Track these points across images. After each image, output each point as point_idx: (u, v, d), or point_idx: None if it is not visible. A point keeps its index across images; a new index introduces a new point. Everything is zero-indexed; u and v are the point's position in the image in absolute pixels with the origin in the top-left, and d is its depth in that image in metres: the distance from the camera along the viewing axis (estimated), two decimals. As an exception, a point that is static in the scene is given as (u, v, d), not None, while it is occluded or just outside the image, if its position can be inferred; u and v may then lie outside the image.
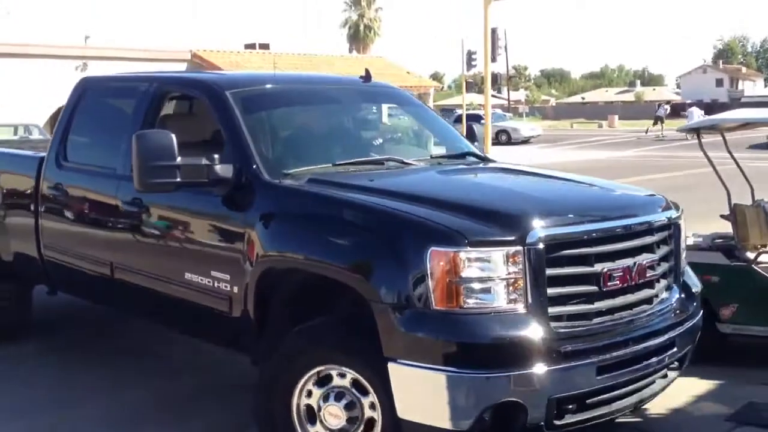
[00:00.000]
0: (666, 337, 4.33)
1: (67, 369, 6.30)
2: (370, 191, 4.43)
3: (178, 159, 4.60)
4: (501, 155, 30.48)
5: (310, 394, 4.22)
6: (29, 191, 6.34)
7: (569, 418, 3.95)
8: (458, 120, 40.99)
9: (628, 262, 4.16)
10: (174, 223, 5.22)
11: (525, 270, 3.81)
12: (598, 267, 4.04)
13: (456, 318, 3.76)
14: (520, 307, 3.81)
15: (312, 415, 4.22)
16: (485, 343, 3.74)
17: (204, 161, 4.70)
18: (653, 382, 4.43)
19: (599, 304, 4.05)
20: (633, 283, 4.19)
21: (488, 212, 4.05)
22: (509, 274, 3.79)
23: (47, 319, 7.41)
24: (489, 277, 3.78)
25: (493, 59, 30.74)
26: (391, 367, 3.80)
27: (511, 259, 3.80)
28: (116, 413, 5.38)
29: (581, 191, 4.92)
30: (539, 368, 3.76)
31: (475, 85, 43.31)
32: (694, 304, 4.72)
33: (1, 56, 25.34)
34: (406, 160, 5.27)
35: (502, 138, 41.17)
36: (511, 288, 3.80)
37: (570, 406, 3.94)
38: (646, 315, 4.30)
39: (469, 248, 3.76)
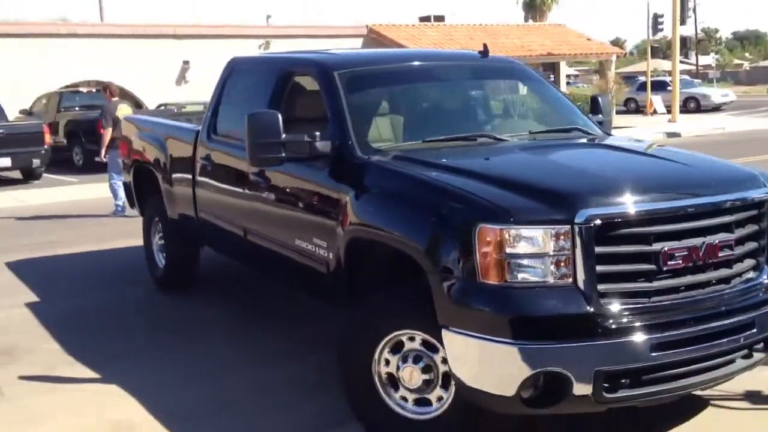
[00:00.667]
0: (744, 317, 4.15)
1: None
2: (441, 168, 4.60)
3: (283, 136, 4.99)
4: (686, 124, 29.03)
5: (387, 362, 4.42)
6: (188, 159, 7.10)
7: (622, 393, 3.93)
8: (641, 88, 39.54)
9: (695, 241, 4.06)
10: (288, 194, 5.60)
11: (573, 248, 3.87)
12: (657, 246, 3.98)
13: (500, 291, 3.88)
14: (567, 284, 3.88)
15: (394, 382, 4.42)
16: (525, 316, 3.84)
17: (306, 138, 5.06)
18: (730, 361, 4.22)
19: (659, 283, 4.00)
20: (701, 262, 4.08)
21: (541, 190, 4.10)
22: (556, 251, 3.87)
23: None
24: (535, 253, 3.87)
25: (682, 22, 29.40)
26: (444, 333, 4.01)
27: (558, 237, 3.87)
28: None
29: (657, 170, 4.76)
30: (583, 341, 3.81)
31: (660, 51, 41.42)
32: None
33: (191, 37, 26.84)
34: (499, 136, 5.33)
35: (691, 105, 39.07)
36: (557, 265, 3.88)
37: (623, 381, 3.91)
38: (720, 295, 4.17)
39: (515, 225, 3.87)
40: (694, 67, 61.74)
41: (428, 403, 4.36)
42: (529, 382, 3.80)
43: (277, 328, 6.64)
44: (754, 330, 4.18)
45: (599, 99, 6.27)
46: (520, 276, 3.87)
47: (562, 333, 3.84)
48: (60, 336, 6.54)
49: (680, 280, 4.05)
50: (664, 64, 48.18)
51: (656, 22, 33.84)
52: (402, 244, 4.33)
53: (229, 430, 4.73)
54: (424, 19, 37.55)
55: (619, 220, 3.95)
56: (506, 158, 5.01)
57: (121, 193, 11.70)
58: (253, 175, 5.89)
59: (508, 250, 3.85)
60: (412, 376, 4.33)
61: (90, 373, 5.65)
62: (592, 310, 3.85)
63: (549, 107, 6.31)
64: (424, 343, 4.28)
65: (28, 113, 21.87)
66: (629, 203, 4.00)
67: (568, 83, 41.42)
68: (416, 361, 4.31)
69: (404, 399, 4.40)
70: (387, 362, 4.42)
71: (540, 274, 3.88)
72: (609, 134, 5.92)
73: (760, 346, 4.32)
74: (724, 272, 4.19)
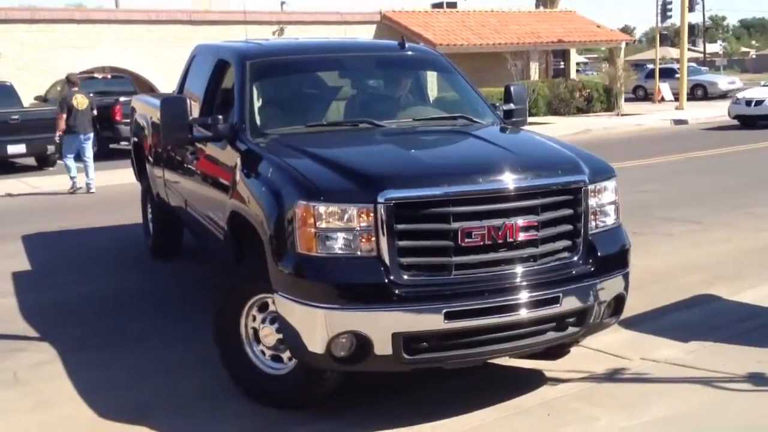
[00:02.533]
0: (547, 292, 4.51)
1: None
2: (296, 151, 5.06)
3: (190, 118, 5.77)
4: (693, 111, 29.03)
5: (254, 319, 4.96)
6: (158, 137, 7.73)
7: (422, 355, 4.39)
8: (650, 75, 39.54)
9: (495, 222, 4.43)
10: (204, 170, 6.31)
11: (376, 224, 4.31)
12: (455, 225, 4.37)
13: (311, 260, 4.37)
14: (371, 256, 4.33)
15: (257, 337, 4.97)
16: (334, 282, 4.33)
17: (210, 120, 5.80)
18: (538, 332, 4.61)
19: (458, 258, 4.39)
20: (501, 241, 4.44)
21: (356, 173, 4.57)
22: (361, 227, 4.33)
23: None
24: (342, 228, 4.35)
25: (691, 9, 29.41)
26: (275, 297, 4.55)
27: (362, 215, 4.33)
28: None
29: (476, 156, 5.18)
30: (381, 307, 4.29)
31: (668, 38, 41.29)
32: (601, 265, 4.76)
33: (206, 23, 27.09)
34: (378, 123, 5.76)
35: (698, 93, 39.08)
36: (362, 239, 4.34)
37: (422, 344, 4.37)
38: (523, 271, 4.53)
39: (325, 203, 4.35)
40: (701, 55, 61.35)
41: (281, 360, 4.90)
42: (335, 342, 4.30)
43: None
44: (558, 305, 4.55)
45: (512, 88, 6.57)
46: (330, 247, 4.36)
47: (363, 299, 4.34)
48: (71, 321, 6.81)
49: (481, 257, 4.45)
50: (672, 52, 48.05)
51: (665, 10, 33.84)
52: (251, 217, 4.91)
53: (250, 410, 4.90)
54: (437, 5, 37.59)
55: (419, 200, 4.38)
56: (357, 143, 5.51)
57: (72, 171, 14.41)
58: (189, 154, 6.67)
59: (319, 224, 4.35)
60: (268, 335, 4.87)
61: (102, 358, 5.88)
62: (391, 279, 4.30)
63: (454, 96, 6.69)
64: None
65: (43, 100, 22.12)
66: (428, 186, 4.43)
67: (577, 71, 41.42)
68: (272, 322, 4.82)
69: (262, 353, 4.95)
70: (254, 318, 4.97)
71: (347, 246, 4.36)
72: (504, 122, 6.24)
73: (572, 320, 4.71)
74: (527, 251, 4.55)
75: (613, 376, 5.10)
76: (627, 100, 34.81)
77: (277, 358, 4.92)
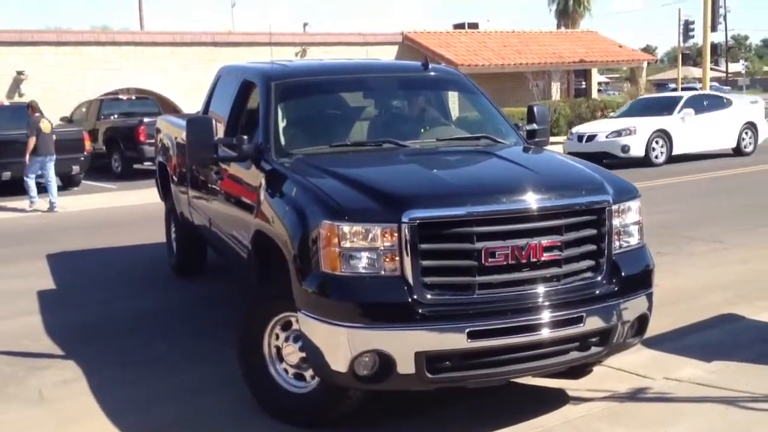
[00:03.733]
0: (570, 312, 4.50)
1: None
2: (320, 171, 5.09)
3: (215, 138, 5.78)
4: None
5: (278, 337, 4.98)
6: (183, 157, 7.99)
7: (445, 374, 4.38)
8: (673, 94, 39.37)
9: (519, 242, 4.43)
10: (229, 190, 6.37)
11: (400, 244, 4.32)
12: (479, 245, 4.37)
13: (336, 279, 4.37)
14: (395, 275, 4.34)
15: (280, 355, 4.99)
16: (357, 301, 4.32)
17: (234, 141, 5.81)
18: (562, 352, 4.60)
19: (482, 278, 4.39)
20: (525, 261, 4.44)
21: (381, 192, 4.59)
22: (385, 246, 4.34)
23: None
24: (366, 247, 4.35)
25: (713, 28, 29.27)
26: (299, 316, 4.56)
27: (386, 234, 4.34)
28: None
29: (500, 176, 5.17)
30: (404, 326, 4.29)
31: (690, 58, 41.21)
32: (625, 285, 4.75)
33: (229, 45, 27.36)
34: (402, 143, 5.81)
35: (721, 112, 38.93)
36: (386, 257, 4.35)
37: (445, 363, 4.35)
38: (546, 291, 4.52)
39: (349, 223, 4.36)
40: (723, 74, 61.10)
41: (304, 378, 4.92)
42: (359, 361, 4.30)
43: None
44: (582, 325, 4.53)
45: (534, 108, 6.55)
46: (354, 267, 4.36)
47: (386, 318, 4.33)
48: (95, 340, 6.87)
49: (504, 276, 4.45)
50: (695, 71, 47.85)
51: (687, 29, 33.71)
52: (275, 236, 4.94)
53: (272, 429, 4.93)
54: (458, 26, 37.82)
55: (442, 220, 4.39)
56: (381, 163, 5.56)
57: (33, 192, 15.26)
58: (213, 173, 6.72)
59: (343, 244, 4.36)
60: (291, 353, 4.89)
61: (125, 376, 5.92)
62: (415, 298, 4.31)
63: (477, 117, 6.73)
64: None
65: (68, 120, 22.43)
66: (452, 206, 4.45)
67: (599, 90, 41.37)
68: (296, 340, 4.83)
69: (285, 371, 4.97)
70: (277, 337, 4.99)
71: (371, 265, 4.36)
72: (527, 142, 6.24)
73: (595, 339, 4.69)
74: (550, 271, 4.54)
75: (636, 396, 5.07)
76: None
77: (299, 377, 4.94)
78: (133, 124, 20.10)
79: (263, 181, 5.38)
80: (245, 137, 5.81)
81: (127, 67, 25.91)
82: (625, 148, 19.55)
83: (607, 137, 19.81)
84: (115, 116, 21.92)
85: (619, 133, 19.80)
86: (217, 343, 6.49)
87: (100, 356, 6.40)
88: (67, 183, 18.86)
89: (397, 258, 4.33)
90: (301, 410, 4.91)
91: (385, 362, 4.30)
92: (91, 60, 25.33)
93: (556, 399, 5.11)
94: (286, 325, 4.93)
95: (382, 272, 4.35)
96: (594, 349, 4.71)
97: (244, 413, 5.12)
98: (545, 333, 4.45)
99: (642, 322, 4.92)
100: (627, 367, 5.57)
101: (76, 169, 18.41)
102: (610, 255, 4.76)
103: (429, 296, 4.34)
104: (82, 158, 18.39)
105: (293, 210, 4.76)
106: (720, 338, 6.24)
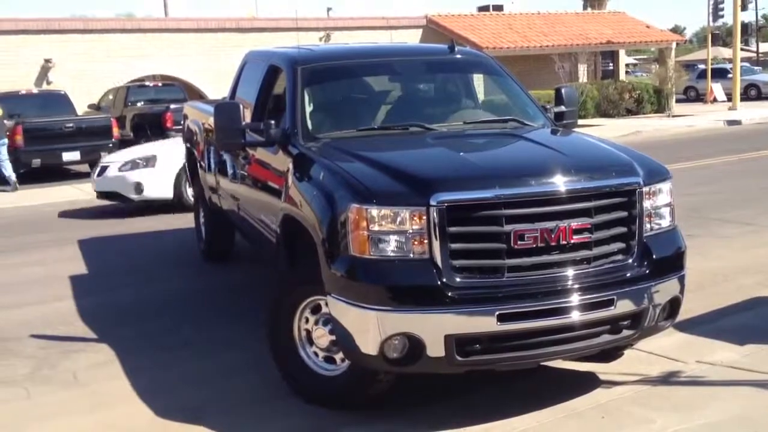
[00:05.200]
0: (601, 295, 4.49)
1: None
2: (348, 155, 5.07)
3: (243, 124, 5.80)
4: (747, 112, 28.49)
5: (307, 320, 5.00)
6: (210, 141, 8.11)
7: (475, 357, 4.39)
8: (701, 76, 38.88)
9: (548, 224, 4.41)
10: (257, 174, 6.37)
11: (429, 227, 4.32)
12: (508, 227, 4.36)
13: (365, 262, 4.38)
14: (423, 258, 4.34)
15: (310, 339, 5.01)
16: (387, 284, 4.34)
17: (262, 125, 5.79)
18: (593, 335, 4.58)
19: (511, 261, 4.39)
20: (554, 243, 4.42)
21: (409, 176, 4.57)
22: (413, 229, 4.34)
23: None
24: (394, 230, 4.36)
25: (744, 7, 28.93)
26: (329, 299, 4.57)
27: (414, 217, 4.33)
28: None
29: (529, 159, 5.14)
30: (434, 310, 4.29)
31: (720, 38, 40.66)
32: (656, 267, 4.72)
33: (254, 30, 27.37)
34: (428, 126, 5.76)
35: (752, 93, 38.27)
36: (415, 241, 4.35)
37: (475, 346, 4.36)
38: (576, 273, 4.51)
39: (377, 206, 4.36)
40: (754, 54, 60.06)
41: (334, 361, 4.95)
42: (388, 343, 4.33)
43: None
44: (613, 308, 4.52)
45: (562, 90, 6.47)
46: (382, 250, 4.37)
47: (415, 301, 4.34)
48: (126, 324, 6.94)
49: (533, 259, 4.44)
50: (724, 52, 47.18)
51: (717, 9, 33.20)
52: (304, 220, 4.95)
53: (302, 411, 4.96)
54: (483, 8, 37.52)
55: (471, 203, 4.38)
56: (408, 147, 5.54)
57: (7, 171, 16.43)
58: (241, 158, 6.73)
59: (372, 227, 4.37)
60: (321, 336, 4.92)
61: (157, 360, 5.98)
62: (444, 281, 4.31)
63: (504, 99, 6.65)
64: None
65: (96, 108, 22.61)
66: (480, 188, 4.43)
67: (627, 72, 40.94)
68: (325, 323, 4.85)
69: (315, 354, 5.00)
70: (307, 320, 5.01)
71: (399, 248, 4.37)
72: (555, 124, 6.17)
73: (627, 323, 4.66)
74: (581, 253, 4.53)
75: (668, 379, 5.03)
76: (678, 101, 34.32)
77: (330, 360, 4.97)
78: (160, 110, 20.21)
79: (291, 166, 5.38)
80: (272, 122, 5.81)
81: (153, 54, 26.02)
82: (138, 188, 12.65)
83: (120, 170, 12.86)
84: (142, 103, 22.05)
85: (134, 165, 12.89)
86: (245, 328, 6.53)
87: (132, 340, 6.46)
88: (96, 170, 18.99)
89: (426, 241, 4.33)
90: (331, 393, 4.93)
91: (414, 345, 4.32)
92: (118, 47, 25.47)
93: (587, 382, 5.09)
94: (316, 309, 4.95)
95: (411, 255, 4.36)
96: (625, 332, 4.69)
97: (272, 396, 5.16)
98: (575, 316, 4.44)
99: (674, 304, 4.88)
100: (659, 351, 5.52)
101: (104, 155, 18.54)
102: (641, 237, 4.73)
103: (458, 279, 4.34)
104: (110, 145, 18.52)
105: (321, 194, 4.75)
106: (753, 321, 6.18)
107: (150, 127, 20.49)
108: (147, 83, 24.03)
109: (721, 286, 7.27)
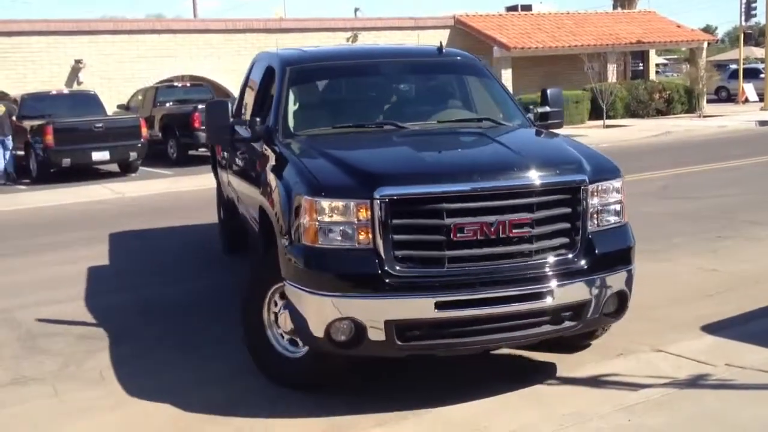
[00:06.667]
0: (537, 287, 4.69)
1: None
2: (314, 151, 5.36)
3: (230, 121, 6.29)
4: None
5: (276, 304, 5.26)
6: None
7: (415, 342, 4.65)
8: (733, 76, 38.44)
9: (488, 218, 4.62)
10: (246, 168, 6.77)
11: (372, 219, 4.57)
12: (448, 221, 4.58)
13: (314, 251, 4.68)
14: (367, 248, 4.61)
15: (277, 322, 5.27)
16: (332, 272, 4.63)
17: (248, 122, 6.24)
18: (533, 325, 4.78)
19: (451, 252, 4.60)
20: (494, 237, 4.63)
21: (358, 171, 4.84)
22: (359, 220, 4.61)
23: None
24: (342, 221, 4.64)
25: (776, 7, 28.51)
26: (285, 285, 4.88)
27: (360, 209, 4.60)
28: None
29: (479, 157, 5.37)
30: (374, 296, 4.57)
31: (752, 38, 40.13)
32: (599, 262, 4.88)
33: (281, 31, 27.47)
34: (401, 124, 5.97)
35: (784, 93, 37.90)
36: (360, 232, 4.61)
37: (415, 332, 4.62)
38: (515, 265, 4.71)
39: (326, 198, 4.65)
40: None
41: (297, 344, 5.23)
42: (333, 327, 4.61)
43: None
44: (551, 299, 4.70)
45: (548, 91, 6.69)
46: (331, 240, 4.66)
47: (358, 288, 4.62)
48: (152, 322, 6.98)
49: (474, 251, 4.65)
50: (757, 52, 46.57)
51: (749, 8, 32.83)
52: (269, 211, 5.33)
53: (323, 410, 4.95)
54: (511, 8, 37.42)
55: (412, 197, 4.63)
56: (372, 144, 5.78)
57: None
58: (239, 154, 7.12)
59: (321, 218, 4.65)
60: (285, 320, 5.11)
61: (182, 357, 6.01)
62: (386, 270, 4.57)
63: (486, 100, 6.82)
64: None
65: (125, 108, 22.81)
66: (422, 184, 4.68)
67: (657, 72, 40.59)
68: (287, 308, 5.04)
69: (281, 336, 5.29)
70: (276, 304, 5.27)
71: (346, 238, 4.65)
72: (535, 124, 6.36)
73: (568, 314, 4.85)
74: (521, 247, 4.73)
75: (696, 383, 4.96)
76: (709, 101, 33.99)
77: (293, 342, 5.24)
78: (188, 110, 20.35)
79: (269, 161, 5.68)
80: (258, 119, 6.17)
81: (182, 55, 26.23)
82: None
83: None
84: (171, 103, 22.21)
85: None
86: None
87: (158, 338, 6.51)
88: (126, 169, 19.23)
89: (370, 232, 4.60)
90: (293, 373, 5.25)
91: (357, 329, 4.60)
92: (147, 48, 25.70)
93: (614, 385, 5.04)
94: (283, 294, 5.11)
95: (356, 245, 4.63)
96: (567, 324, 4.88)
97: (298, 397, 5.17)
98: (513, 306, 4.66)
99: (621, 298, 5.05)
100: (687, 354, 5.45)
101: (133, 155, 18.74)
102: (585, 233, 4.90)
103: (399, 268, 4.59)
104: (140, 145, 18.71)
105: (282, 187, 5.08)
106: (784, 324, 6.08)
107: (178, 127, 20.64)
108: (176, 84, 24.20)
109: (752, 288, 7.16)
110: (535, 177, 4.82)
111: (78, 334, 6.70)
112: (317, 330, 4.65)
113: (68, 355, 6.15)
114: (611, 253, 4.98)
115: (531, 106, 6.63)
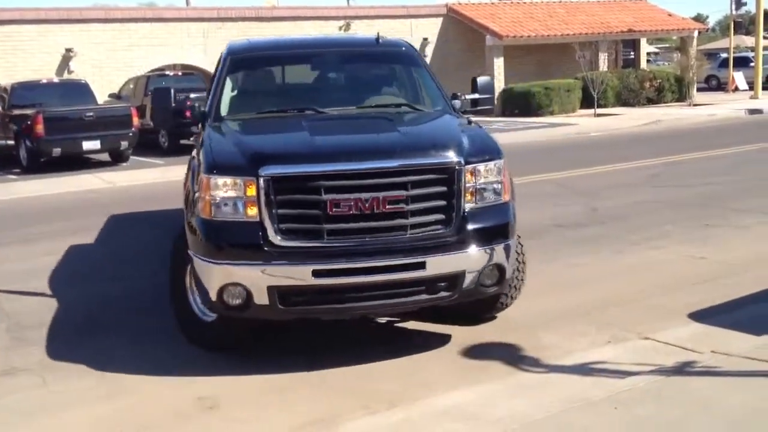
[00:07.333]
0: (410, 258, 5.12)
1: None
2: (227, 134, 5.93)
3: (173, 105, 6.92)
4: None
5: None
6: None
7: (297, 307, 5.19)
8: (723, 64, 38.49)
9: (363, 195, 5.06)
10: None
11: (258, 195, 5.08)
12: (325, 197, 5.05)
13: (208, 223, 5.24)
14: (254, 221, 5.12)
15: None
16: (223, 242, 5.20)
17: (188, 106, 6.81)
18: (410, 294, 5.24)
19: (329, 225, 5.08)
20: (368, 212, 5.07)
21: (248, 151, 5.37)
22: (247, 196, 5.13)
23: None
24: (231, 197, 5.17)
25: (767, -4, 28.53)
26: (191, 255, 5.44)
27: (248, 186, 5.11)
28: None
29: (365, 138, 5.81)
30: (258, 263, 5.07)
31: (742, 26, 40.15)
32: (473, 237, 5.28)
33: (274, 20, 27.41)
34: (320, 110, 6.41)
35: (775, 81, 37.98)
36: (248, 206, 5.13)
37: (296, 297, 5.14)
38: (391, 238, 5.15)
39: (219, 176, 5.19)
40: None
41: None
42: (224, 292, 5.15)
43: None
44: (423, 270, 5.14)
45: (478, 79, 7.16)
46: (223, 213, 5.20)
47: (245, 257, 5.13)
48: (144, 312, 6.97)
49: (351, 225, 5.10)
50: (747, 41, 46.59)
51: (740, -3, 32.89)
52: (184, 186, 5.85)
53: (312, 402, 4.98)
54: (503, -4, 37.30)
55: (292, 176, 5.14)
56: (278, 128, 6.23)
57: None
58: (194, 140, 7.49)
59: (213, 193, 5.20)
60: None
61: (178, 349, 5.99)
62: (269, 241, 5.07)
63: (414, 87, 7.15)
64: None
65: (116, 97, 22.70)
66: (303, 163, 5.20)
67: (648, 61, 40.61)
68: None
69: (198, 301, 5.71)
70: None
71: (235, 212, 5.17)
72: (455, 110, 6.66)
73: (443, 284, 5.27)
74: (397, 221, 5.15)
75: (683, 370, 5.00)
76: (699, 90, 34.06)
77: None
78: (180, 99, 20.24)
79: (197, 142, 6.21)
80: (198, 105, 6.69)
81: (174, 43, 26.13)
82: None
83: None
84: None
85: None
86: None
87: (150, 327, 6.50)
88: (117, 158, 19.14)
89: (257, 207, 5.10)
90: (207, 336, 5.81)
91: (245, 294, 5.11)
92: (138, 36, 25.59)
93: (602, 373, 5.08)
94: None
95: (245, 218, 5.14)
96: (443, 294, 5.30)
97: (288, 387, 5.21)
98: (388, 275, 5.10)
99: (500, 271, 5.45)
100: (674, 341, 5.50)
101: (124, 144, 18.65)
102: (460, 210, 5.27)
103: (282, 239, 5.09)
104: (131, 134, 18.59)
105: (194, 165, 5.67)
106: (770, 312, 6.14)
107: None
108: (167, 72, 24.07)
109: (739, 276, 7.21)
110: (410, 158, 5.24)
111: (68, 324, 6.71)
112: (213, 295, 5.19)
113: (58, 346, 6.15)
114: (486, 229, 5.36)
115: (460, 93, 7.06)
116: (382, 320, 6.35)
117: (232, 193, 5.17)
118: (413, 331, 6.15)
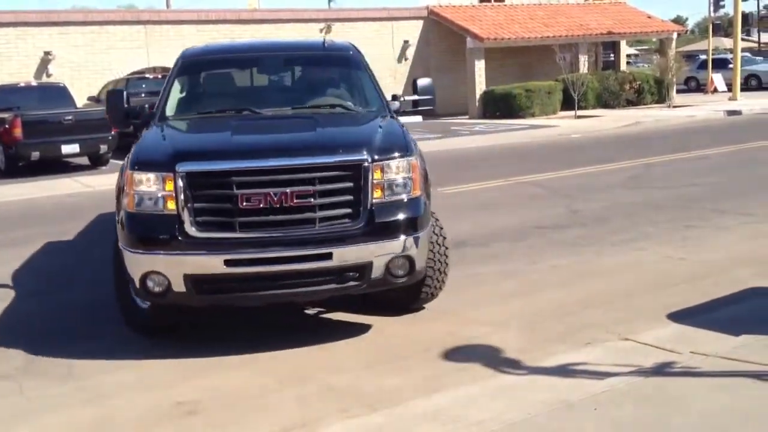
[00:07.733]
0: (318, 249, 5.44)
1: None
2: (161, 133, 6.25)
3: (125, 107, 7.09)
4: (747, 102, 28.44)
5: None
6: None
7: (211, 295, 5.57)
8: (702, 66, 38.77)
9: (272, 190, 5.39)
10: None
11: (176, 189, 5.44)
12: (237, 192, 5.39)
13: (131, 215, 5.62)
14: (172, 214, 5.47)
15: None
16: (143, 233, 5.58)
17: (139, 107, 7.32)
18: (319, 283, 5.56)
19: (241, 219, 5.42)
20: (277, 206, 5.40)
21: (168, 149, 5.78)
22: (165, 190, 5.49)
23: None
24: (152, 191, 5.53)
25: (744, -2, 28.77)
26: (120, 247, 5.80)
27: (166, 181, 5.48)
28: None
29: (282, 137, 6.17)
30: (174, 253, 5.45)
31: (721, 28, 40.50)
32: (381, 229, 5.57)
33: (255, 22, 27.34)
34: (257, 111, 6.78)
35: (752, 83, 38.16)
36: (167, 200, 5.48)
37: (209, 285, 5.50)
38: (300, 231, 5.47)
39: (141, 171, 5.58)
40: (755, 45, 59.90)
41: None
42: (147, 279, 5.51)
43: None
44: (330, 260, 5.45)
45: (418, 81, 7.42)
46: (144, 206, 5.57)
47: (162, 247, 5.50)
48: (122, 318, 6.69)
49: (262, 218, 5.43)
50: (726, 42, 47.03)
51: (718, 0, 33.15)
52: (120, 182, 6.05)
53: (293, 406, 4.96)
54: (484, 0, 37.40)
55: (205, 172, 5.50)
56: (208, 128, 6.62)
57: None
58: None
59: (137, 188, 5.57)
60: None
61: (156, 353, 5.97)
62: (185, 232, 5.43)
63: (352, 90, 7.43)
64: None
65: (96, 100, 22.53)
66: (216, 160, 5.56)
67: (628, 63, 40.82)
68: None
69: None
70: None
71: (155, 205, 5.54)
72: (390, 112, 6.88)
73: (352, 274, 5.58)
74: (305, 215, 5.47)
75: (661, 370, 5.02)
76: (679, 91, 34.27)
77: None
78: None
79: None
80: (146, 106, 7.12)
81: (153, 46, 26.01)
82: None
83: None
84: (142, 95, 21.99)
85: None
86: (241, 322, 6.55)
87: (128, 335, 6.40)
88: (96, 162, 18.96)
89: (174, 200, 5.44)
90: (142, 321, 6.18)
91: (166, 282, 5.46)
92: (117, 39, 25.45)
93: (581, 374, 5.08)
94: None
95: (164, 211, 5.49)
96: (352, 283, 5.61)
97: (266, 390, 5.19)
98: (298, 265, 5.43)
99: (410, 263, 5.69)
100: (653, 342, 5.51)
101: (103, 148, 18.49)
102: (368, 204, 5.55)
103: (197, 231, 5.43)
104: (110, 138, 18.44)
105: (125, 162, 5.97)
106: (749, 312, 6.15)
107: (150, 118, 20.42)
108: (147, 75, 23.94)
109: (718, 276, 7.25)
110: (317, 156, 5.58)
111: (44, 330, 6.65)
112: (137, 282, 5.55)
113: (34, 352, 6.08)
114: (394, 222, 5.63)
115: (400, 95, 7.49)
116: (361, 322, 6.35)
117: (153, 188, 5.52)
118: (393, 335, 6.14)
